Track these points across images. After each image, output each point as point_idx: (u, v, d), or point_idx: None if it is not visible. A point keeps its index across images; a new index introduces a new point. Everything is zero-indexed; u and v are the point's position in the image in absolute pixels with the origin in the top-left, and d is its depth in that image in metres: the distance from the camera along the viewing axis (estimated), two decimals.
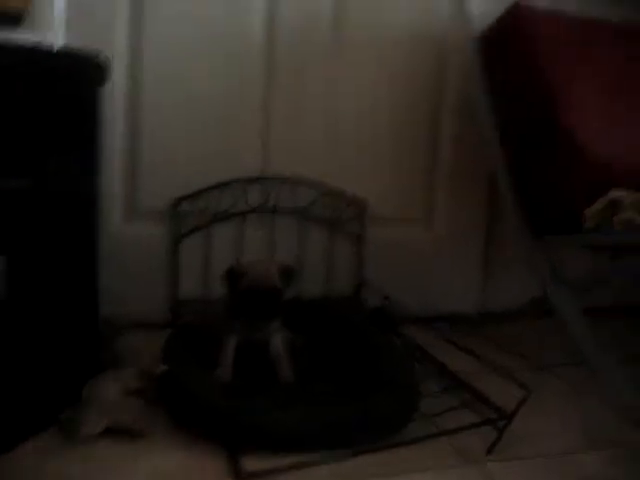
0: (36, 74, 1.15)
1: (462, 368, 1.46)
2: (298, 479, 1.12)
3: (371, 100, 1.91)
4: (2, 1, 1.50)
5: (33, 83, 1.15)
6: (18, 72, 1.13)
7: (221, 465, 1.15)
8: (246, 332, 1.42)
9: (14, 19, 1.53)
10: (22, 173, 1.15)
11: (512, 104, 1.70)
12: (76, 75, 1.28)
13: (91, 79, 1.33)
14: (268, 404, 1.28)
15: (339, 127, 1.89)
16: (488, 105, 1.70)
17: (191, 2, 1.75)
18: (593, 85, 1.64)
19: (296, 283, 1.49)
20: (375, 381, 1.36)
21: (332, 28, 1.86)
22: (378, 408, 1.25)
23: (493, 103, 1.71)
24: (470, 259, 2.06)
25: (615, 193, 1.42)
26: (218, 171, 1.78)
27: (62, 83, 1.22)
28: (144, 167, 1.77)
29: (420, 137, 1.99)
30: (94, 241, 1.38)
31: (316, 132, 1.88)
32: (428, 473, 1.16)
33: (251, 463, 1.14)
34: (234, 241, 1.82)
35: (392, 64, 1.92)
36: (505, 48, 1.74)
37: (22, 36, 1.52)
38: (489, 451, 1.23)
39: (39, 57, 1.20)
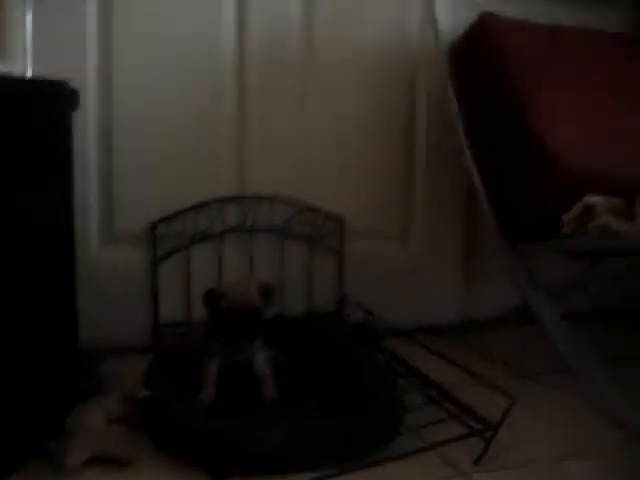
0: (7, 102, 1.14)
1: (446, 379, 1.46)
2: None
3: (343, 115, 1.91)
4: None
5: (3, 111, 1.14)
6: None
7: None
8: (228, 353, 1.41)
9: None
10: None
11: (482, 113, 1.71)
12: (47, 103, 1.27)
13: (62, 106, 1.32)
14: (252, 424, 1.26)
15: (311, 144, 1.89)
16: (460, 115, 1.72)
17: (160, 23, 1.74)
18: (563, 92, 1.66)
19: (276, 301, 1.49)
20: (359, 397, 1.36)
21: (302, 44, 1.87)
22: (361, 424, 1.25)
23: (464, 112, 1.72)
24: (450, 269, 2.07)
25: (590, 199, 1.44)
26: (194, 193, 1.77)
27: (33, 111, 1.21)
28: (119, 191, 1.76)
29: (395, 148, 1.99)
30: (71, 268, 1.37)
31: (289, 150, 1.87)
32: None
33: None
34: (213, 262, 1.81)
35: (362, 79, 1.92)
36: (474, 58, 1.76)
37: None
38: (476, 462, 1.23)
39: (9, 85, 1.19)
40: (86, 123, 1.69)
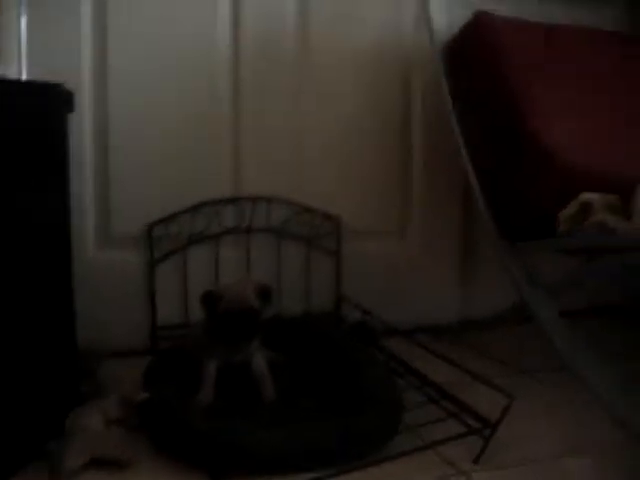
0: (3, 105, 1.14)
1: (445, 378, 1.46)
2: None
3: (338, 114, 1.92)
4: None
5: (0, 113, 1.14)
6: None
7: None
8: (226, 354, 1.41)
9: None
10: None
11: (478, 112, 1.72)
12: (43, 105, 1.27)
13: (58, 108, 1.32)
14: (250, 424, 1.26)
15: (307, 143, 1.89)
16: (455, 114, 1.72)
17: (155, 22, 1.74)
18: (558, 91, 1.66)
19: (274, 302, 1.48)
20: (357, 397, 1.36)
21: (297, 43, 1.87)
22: (360, 424, 1.24)
23: (459, 112, 1.72)
24: (448, 267, 2.07)
25: (586, 196, 1.44)
26: (190, 194, 1.77)
27: (29, 113, 1.21)
28: (115, 193, 1.76)
29: (391, 148, 1.99)
30: (68, 270, 1.37)
31: (284, 149, 1.88)
32: None
33: None
34: (210, 263, 1.81)
35: (358, 78, 1.93)
36: (468, 57, 1.76)
37: None
38: (476, 461, 1.23)
39: (5, 87, 1.19)
40: (82, 124, 1.69)
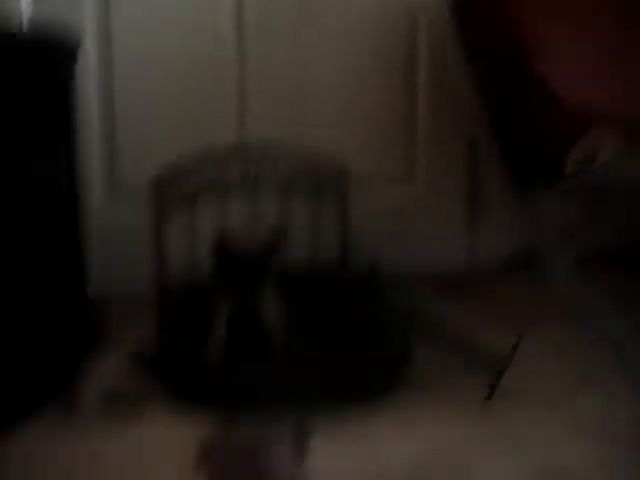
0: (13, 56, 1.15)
1: (454, 325, 1.47)
2: None
3: (339, 49, 1.89)
4: None
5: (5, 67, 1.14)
6: None
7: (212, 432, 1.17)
8: (238, 299, 1.41)
9: None
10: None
11: (485, 56, 1.70)
12: (49, 54, 1.27)
13: (65, 56, 1.32)
14: (263, 367, 1.29)
15: (308, 77, 1.87)
16: (462, 56, 1.70)
17: None
18: (568, 34, 1.64)
19: (286, 243, 1.48)
20: (363, 346, 1.38)
21: None
22: (373, 366, 1.27)
23: (467, 54, 1.70)
24: (455, 206, 2.05)
25: (593, 136, 1.43)
26: (197, 142, 1.75)
27: (36, 63, 1.21)
28: (121, 144, 1.76)
29: (396, 86, 1.96)
30: (78, 223, 1.39)
31: (286, 87, 1.85)
32: (429, 422, 1.18)
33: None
34: (219, 210, 1.81)
35: (362, 12, 1.89)
36: None
37: None
38: (489, 397, 1.24)
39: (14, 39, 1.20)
40: (87, 68, 1.65)
